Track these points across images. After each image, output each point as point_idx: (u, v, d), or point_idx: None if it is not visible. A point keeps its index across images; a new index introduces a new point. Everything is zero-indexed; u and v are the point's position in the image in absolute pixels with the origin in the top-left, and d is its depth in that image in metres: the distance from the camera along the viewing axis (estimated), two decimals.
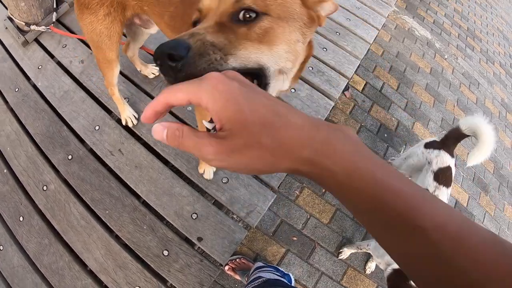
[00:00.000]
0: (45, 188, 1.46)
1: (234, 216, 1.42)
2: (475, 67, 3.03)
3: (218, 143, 0.29)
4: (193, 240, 1.31)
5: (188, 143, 0.31)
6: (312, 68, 1.85)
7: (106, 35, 1.08)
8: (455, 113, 2.60)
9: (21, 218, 1.42)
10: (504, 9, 4.40)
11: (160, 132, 0.32)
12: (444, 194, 1.36)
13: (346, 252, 1.89)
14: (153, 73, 1.66)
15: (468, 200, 2.20)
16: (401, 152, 2.26)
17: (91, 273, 1.31)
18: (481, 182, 2.34)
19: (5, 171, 1.52)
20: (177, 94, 0.31)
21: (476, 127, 1.43)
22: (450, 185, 1.45)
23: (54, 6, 1.94)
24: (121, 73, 1.46)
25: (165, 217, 1.34)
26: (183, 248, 1.30)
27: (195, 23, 0.53)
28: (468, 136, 1.50)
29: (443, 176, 1.44)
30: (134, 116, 1.51)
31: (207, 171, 1.38)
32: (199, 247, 1.32)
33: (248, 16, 0.47)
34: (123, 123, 1.52)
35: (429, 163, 1.51)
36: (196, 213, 1.34)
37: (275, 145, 0.29)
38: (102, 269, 1.29)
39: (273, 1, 0.49)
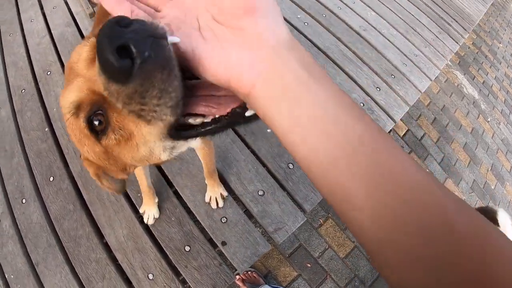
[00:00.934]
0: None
1: (262, 230, 1.36)
2: None
3: (214, 46, 0.29)
4: (217, 243, 1.26)
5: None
6: (363, 105, 1.83)
7: None
8: (487, 178, 2.51)
9: (51, 178, 1.40)
10: None
11: None
12: None
13: None
14: None
15: None
16: None
17: (107, 249, 1.27)
18: None
19: (46, 129, 1.52)
20: None
21: (506, 227, 1.36)
22: None
23: None
24: None
25: (195, 214, 1.30)
26: (205, 248, 1.25)
27: None
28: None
29: None
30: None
31: (213, 200, 1.31)
32: (221, 251, 1.26)
33: None
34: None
35: None
36: (226, 218, 1.29)
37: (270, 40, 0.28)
38: (120, 248, 1.25)
39: None
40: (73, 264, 1.25)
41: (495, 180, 2.57)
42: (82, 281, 1.22)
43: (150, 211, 1.28)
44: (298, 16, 2.16)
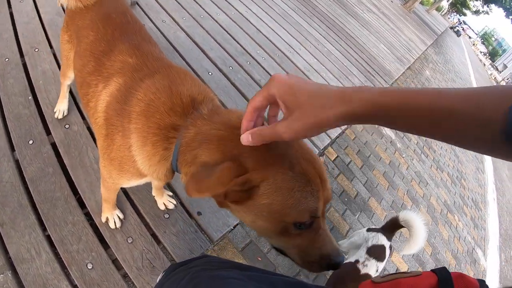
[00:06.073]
0: (67, 126, 1.41)
1: None
2: (426, 170, 3.53)
3: (285, 121, 0.43)
4: (193, 213, 1.31)
5: (266, 133, 0.45)
6: None
7: (65, 55, 1.12)
8: (404, 200, 2.94)
9: (30, 142, 1.32)
10: None
11: (246, 138, 0.47)
12: (373, 265, 1.42)
13: None
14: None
15: (407, 270, 2.40)
16: (356, 216, 2.47)
17: (86, 213, 1.22)
18: (419, 260, 2.57)
19: (30, 97, 1.45)
20: (256, 99, 0.45)
21: (411, 222, 1.54)
22: (383, 261, 1.50)
23: None
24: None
25: (175, 188, 1.34)
26: (183, 217, 1.29)
27: (298, 225, 0.54)
28: (403, 227, 1.61)
29: (375, 251, 1.51)
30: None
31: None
32: (197, 220, 1.31)
33: None
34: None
35: (366, 241, 1.61)
36: None
37: (318, 104, 0.41)
38: (99, 212, 1.21)
39: None
40: (46, 226, 1.16)
41: (411, 202, 3.01)
42: (54, 242, 1.14)
43: (113, 215, 1.20)
44: (258, 51, 2.48)
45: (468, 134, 0.36)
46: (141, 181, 0.76)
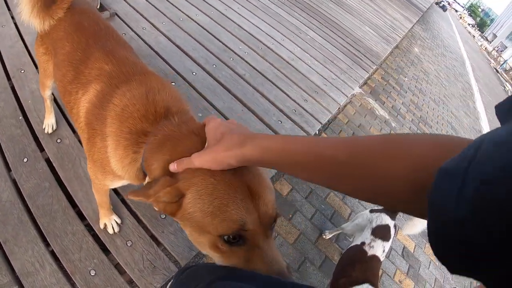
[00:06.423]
0: (59, 141, 1.43)
1: None
2: None
3: (199, 152, 0.53)
4: None
5: (185, 160, 0.54)
6: (295, 111, 2.18)
7: (43, 67, 1.15)
8: None
9: (25, 160, 1.35)
10: (454, 106, 5.25)
11: (172, 166, 0.56)
12: (379, 246, 1.41)
13: (328, 235, 2.01)
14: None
15: (414, 248, 2.41)
16: (357, 199, 2.49)
17: (85, 221, 1.24)
18: (425, 235, 2.58)
19: (20, 118, 1.48)
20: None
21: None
22: (388, 240, 1.50)
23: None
24: None
25: None
26: None
27: (226, 238, 0.53)
28: None
29: (380, 231, 1.51)
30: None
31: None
32: None
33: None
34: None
35: (370, 222, 1.61)
36: None
37: (223, 145, 0.49)
38: (97, 219, 1.24)
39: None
40: (47, 238, 1.19)
41: None
42: (56, 254, 1.17)
43: (110, 221, 1.22)
44: (240, 47, 2.49)
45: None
46: (124, 182, 0.78)
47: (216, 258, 0.56)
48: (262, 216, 0.53)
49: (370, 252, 1.36)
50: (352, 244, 1.50)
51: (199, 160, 0.52)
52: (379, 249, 1.39)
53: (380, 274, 2.00)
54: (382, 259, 1.38)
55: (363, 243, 1.41)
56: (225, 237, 0.52)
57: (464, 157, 0.23)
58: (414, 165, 0.30)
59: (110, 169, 0.71)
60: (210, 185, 0.51)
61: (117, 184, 0.81)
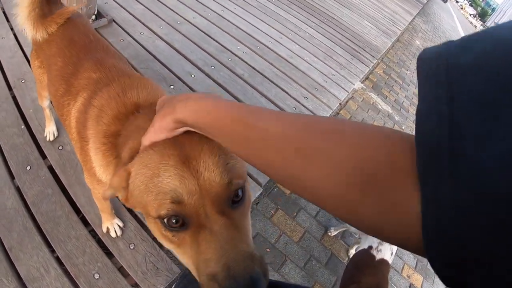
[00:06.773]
0: (60, 147, 1.44)
1: None
2: None
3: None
4: None
5: (141, 148, 0.51)
6: (295, 108, 2.16)
7: (39, 79, 1.16)
8: None
9: (28, 167, 1.36)
10: None
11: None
12: (387, 249, 1.36)
13: (333, 232, 1.99)
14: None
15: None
16: None
17: (88, 226, 1.25)
18: None
19: (22, 126, 1.50)
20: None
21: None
22: None
23: (94, 18, 2.11)
24: None
25: None
26: None
27: (163, 217, 0.44)
28: None
29: None
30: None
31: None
32: None
33: (237, 197, 0.47)
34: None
35: None
36: None
37: (161, 112, 0.45)
38: (100, 223, 1.25)
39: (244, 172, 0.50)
40: (51, 244, 1.20)
41: None
42: (61, 258, 1.18)
43: (113, 225, 1.22)
44: (238, 47, 2.49)
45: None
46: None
47: (174, 252, 0.48)
48: (206, 184, 0.43)
49: (378, 256, 1.30)
50: (360, 248, 1.45)
51: (144, 138, 0.49)
52: (387, 252, 1.34)
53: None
54: (390, 262, 1.32)
55: (370, 247, 1.35)
56: (165, 220, 0.43)
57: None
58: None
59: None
60: (146, 156, 0.46)
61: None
